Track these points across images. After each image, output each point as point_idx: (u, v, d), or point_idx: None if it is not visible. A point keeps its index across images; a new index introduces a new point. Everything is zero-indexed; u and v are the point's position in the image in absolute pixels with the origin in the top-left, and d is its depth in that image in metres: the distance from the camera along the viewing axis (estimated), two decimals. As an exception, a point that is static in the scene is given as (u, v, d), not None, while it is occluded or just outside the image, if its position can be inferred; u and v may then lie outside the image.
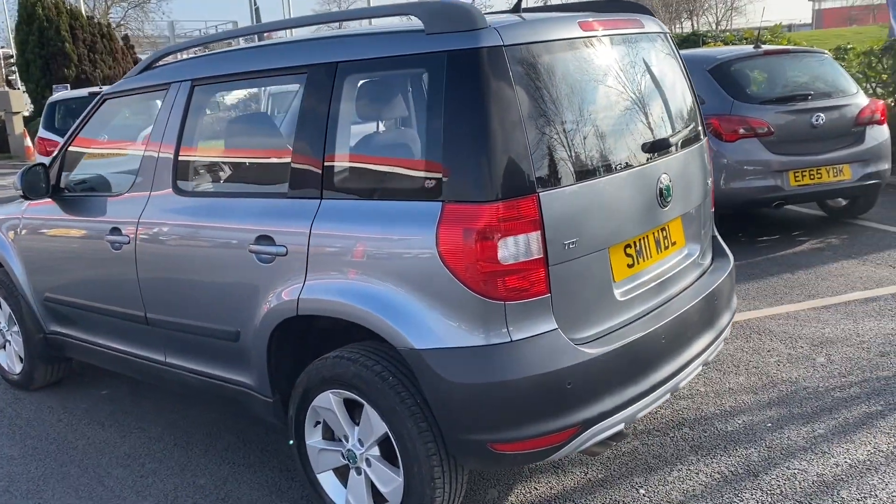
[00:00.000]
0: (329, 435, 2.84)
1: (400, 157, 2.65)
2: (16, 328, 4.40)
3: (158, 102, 3.34)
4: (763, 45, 7.27)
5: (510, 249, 2.31)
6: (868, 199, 6.75)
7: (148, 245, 3.26)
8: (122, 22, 39.72)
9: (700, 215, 3.16)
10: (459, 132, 2.34)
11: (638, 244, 2.75)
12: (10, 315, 4.33)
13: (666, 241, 2.92)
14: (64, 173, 3.86)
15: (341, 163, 2.67)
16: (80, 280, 3.76)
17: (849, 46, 10.11)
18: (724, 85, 6.56)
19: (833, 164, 6.24)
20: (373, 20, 3.10)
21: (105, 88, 3.78)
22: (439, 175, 2.38)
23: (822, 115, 6.26)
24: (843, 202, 6.99)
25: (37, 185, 3.71)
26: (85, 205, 3.70)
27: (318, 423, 2.84)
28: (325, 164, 2.67)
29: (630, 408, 2.55)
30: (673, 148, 2.90)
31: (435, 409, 2.43)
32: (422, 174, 2.46)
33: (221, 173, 3.28)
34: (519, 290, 2.34)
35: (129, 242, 3.33)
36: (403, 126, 3.11)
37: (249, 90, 3.97)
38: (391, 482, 2.60)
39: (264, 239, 2.80)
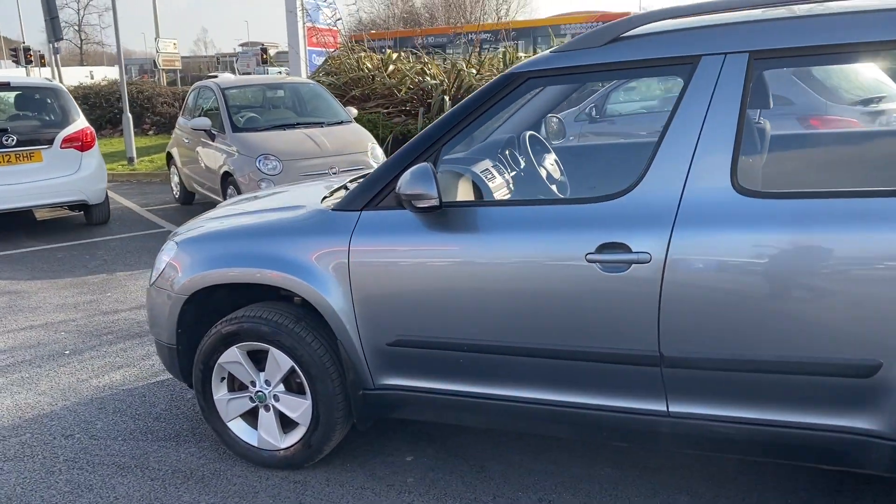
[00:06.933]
0: None
1: None
2: (281, 388, 3.28)
3: (678, 80, 2.59)
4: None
5: None
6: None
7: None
8: None
9: None
10: None
11: None
12: (293, 369, 3.19)
13: None
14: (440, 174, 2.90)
15: None
16: (499, 315, 2.79)
17: None
18: (811, 86, 6.71)
19: None
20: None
21: (517, 66, 2.85)
22: None
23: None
24: None
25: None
26: (513, 215, 2.79)
27: None
28: None
29: None
30: None
31: None
32: None
33: (829, 166, 2.60)
34: None
35: (648, 261, 2.55)
36: None
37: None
38: None
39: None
